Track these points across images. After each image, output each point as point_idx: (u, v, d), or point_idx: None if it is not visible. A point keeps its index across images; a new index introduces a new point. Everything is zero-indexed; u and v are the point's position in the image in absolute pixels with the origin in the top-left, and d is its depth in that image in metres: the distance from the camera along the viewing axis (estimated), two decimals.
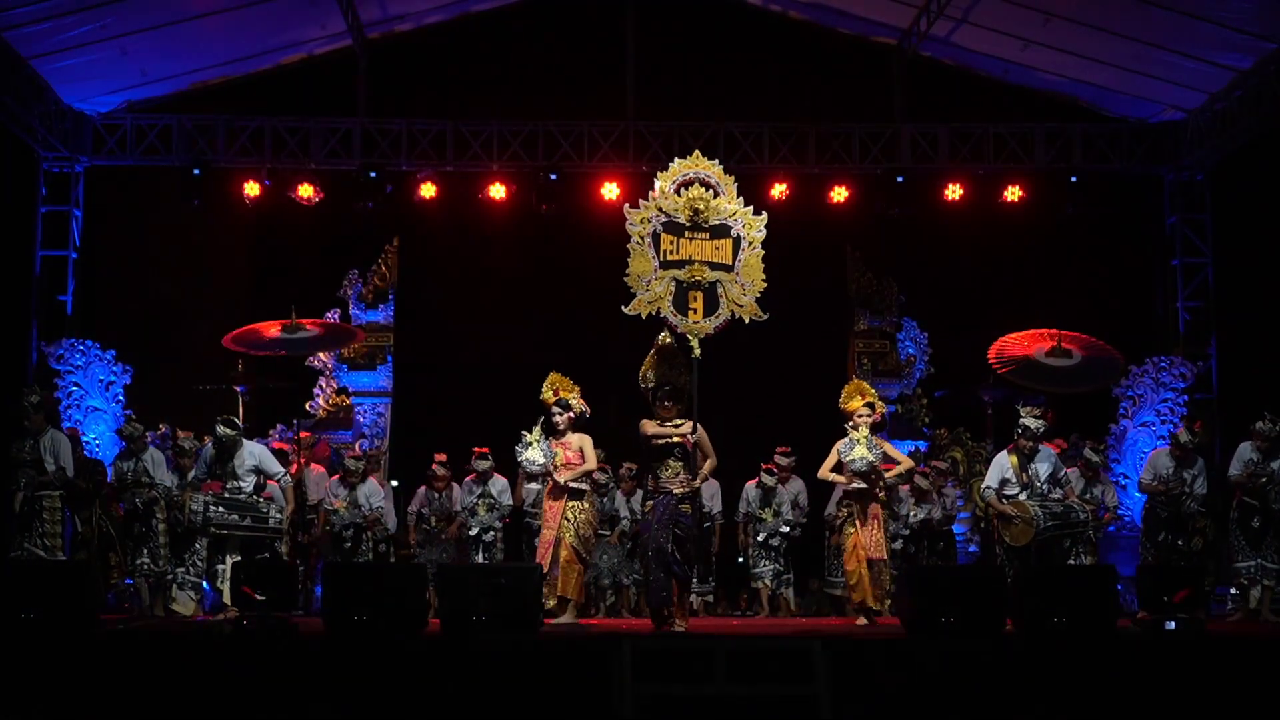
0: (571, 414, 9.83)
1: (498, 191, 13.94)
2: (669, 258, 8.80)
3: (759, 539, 12.39)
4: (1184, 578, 8.30)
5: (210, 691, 7.39)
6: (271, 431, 13.32)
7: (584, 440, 9.84)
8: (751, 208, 8.89)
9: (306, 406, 14.26)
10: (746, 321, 8.74)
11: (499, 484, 11.94)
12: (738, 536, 12.71)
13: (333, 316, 14.17)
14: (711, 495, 12.51)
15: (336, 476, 12.25)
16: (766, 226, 8.82)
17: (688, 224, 8.80)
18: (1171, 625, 7.99)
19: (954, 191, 14.21)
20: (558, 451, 9.74)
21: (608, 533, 12.31)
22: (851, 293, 14.79)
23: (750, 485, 12.53)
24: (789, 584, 12.51)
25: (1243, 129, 13.41)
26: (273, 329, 12.19)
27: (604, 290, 14.39)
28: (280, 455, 11.23)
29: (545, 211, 14.08)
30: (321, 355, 14.33)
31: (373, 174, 13.86)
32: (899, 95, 14.67)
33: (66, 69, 13.20)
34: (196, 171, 13.85)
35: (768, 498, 12.43)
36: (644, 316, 8.75)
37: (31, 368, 13.88)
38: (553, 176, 13.89)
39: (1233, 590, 11.03)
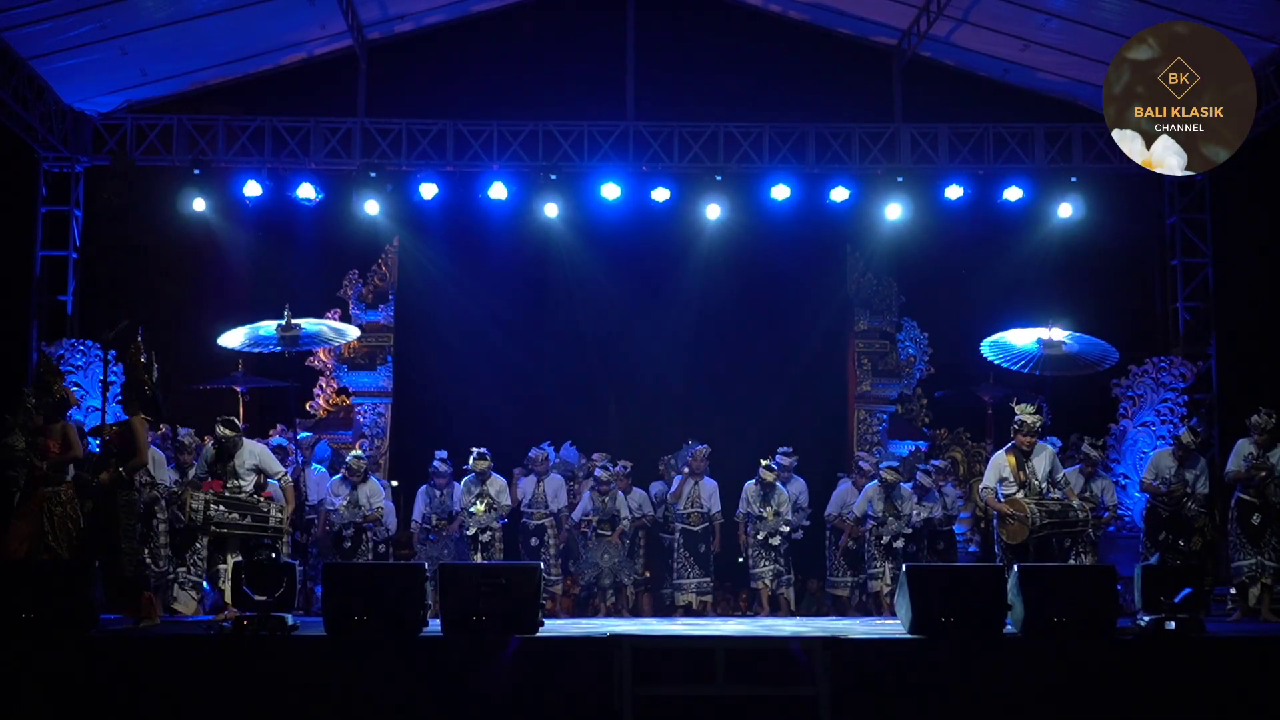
0: (49, 399, 9.45)
1: (498, 191, 13.93)
2: None
3: (759, 538, 12.37)
4: (1184, 578, 8.30)
5: (210, 691, 7.40)
6: (271, 431, 13.31)
7: (60, 427, 9.41)
8: None
9: (306, 406, 14.26)
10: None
11: (496, 483, 11.95)
12: (738, 536, 12.69)
13: (333, 316, 14.15)
14: (710, 495, 12.50)
15: (337, 476, 12.27)
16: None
17: None
18: (1171, 625, 7.99)
19: (954, 191, 14.20)
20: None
21: (608, 532, 12.30)
22: (851, 293, 14.79)
23: (750, 485, 12.51)
24: (789, 584, 12.50)
25: None
26: (266, 328, 12.19)
27: (604, 290, 14.58)
28: (278, 453, 11.23)
29: (545, 211, 14.08)
30: (321, 355, 14.33)
31: (373, 174, 13.85)
32: (899, 95, 14.66)
33: (66, 69, 13.17)
34: (197, 171, 13.85)
35: (768, 496, 12.41)
36: None
37: (32, 368, 13.86)
38: (553, 177, 13.89)
39: (1232, 590, 11.03)
